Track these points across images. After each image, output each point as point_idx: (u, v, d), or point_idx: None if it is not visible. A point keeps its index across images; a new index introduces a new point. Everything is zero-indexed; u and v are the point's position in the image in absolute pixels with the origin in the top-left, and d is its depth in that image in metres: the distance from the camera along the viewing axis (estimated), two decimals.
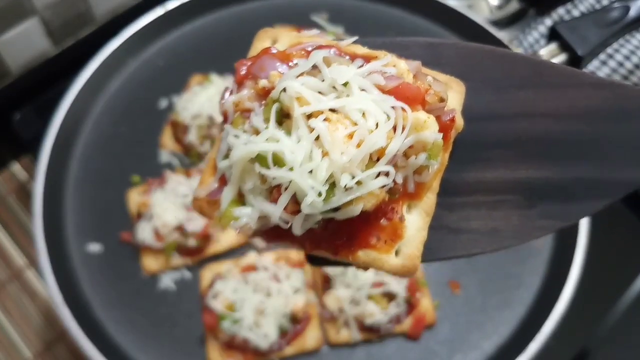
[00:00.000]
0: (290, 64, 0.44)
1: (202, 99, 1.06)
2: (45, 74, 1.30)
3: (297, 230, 0.41)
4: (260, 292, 0.92)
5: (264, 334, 0.90)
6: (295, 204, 0.40)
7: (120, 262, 1.01)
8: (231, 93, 0.44)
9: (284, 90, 0.41)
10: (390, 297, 0.93)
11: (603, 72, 1.38)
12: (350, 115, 0.40)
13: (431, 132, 0.42)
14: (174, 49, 1.23)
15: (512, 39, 1.41)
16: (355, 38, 0.48)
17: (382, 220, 0.43)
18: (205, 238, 0.98)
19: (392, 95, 0.42)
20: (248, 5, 1.29)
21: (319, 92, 0.41)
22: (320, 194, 0.39)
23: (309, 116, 0.40)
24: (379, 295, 0.92)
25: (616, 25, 1.15)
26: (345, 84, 0.42)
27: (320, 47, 0.45)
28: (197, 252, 0.99)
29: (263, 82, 0.43)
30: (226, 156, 0.42)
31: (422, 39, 0.53)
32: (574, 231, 1.02)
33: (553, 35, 1.16)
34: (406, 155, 0.43)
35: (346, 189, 0.40)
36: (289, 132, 0.40)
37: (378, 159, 0.41)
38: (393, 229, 0.43)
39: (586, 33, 1.14)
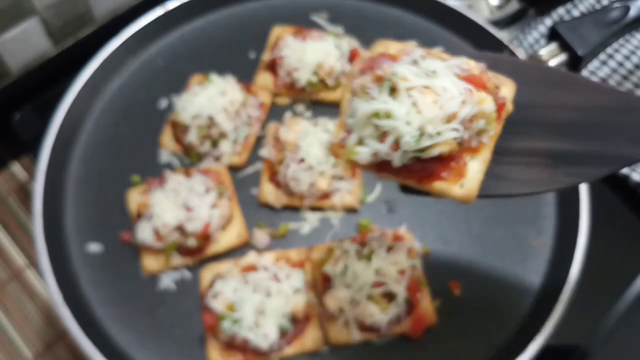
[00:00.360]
0: (397, 61, 0.66)
1: (202, 99, 1.06)
2: (45, 74, 1.30)
3: (397, 162, 0.63)
4: (260, 292, 0.92)
5: (264, 334, 0.89)
6: (396, 145, 0.62)
7: (120, 262, 1.02)
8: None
9: (394, 73, 0.63)
10: (390, 297, 0.92)
11: (603, 72, 1.38)
12: (436, 90, 0.62)
13: (488, 105, 0.65)
14: (174, 49, 1.23)
15: (512, 38, 1.41)
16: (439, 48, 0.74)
17: (452, 163, 0.65)
18: (205, 238, 0.99)
19: (464, 80, 0.64)
20: (248, 5, 1.29)
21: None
22: (413, 137, 0.61)
23: (409, 89, 0.62)
24: (379, 295, 0.91)
25: (616, 25, 1.15)
26: (433, 72, 0.64)
27: (417, 49, 0.69)
28: (197, 252, 1.00)
29: (379, 72, 0.65)
30: (351, 116, 0.65)
31: (490, 54, 0.77)
32: (574, 231, 1.03)
33: (553, 35, 1.16)
34: (471, 120, 0.64)
35: (430, 136, 0.62)
36: (395, 100, 0.63)
37: (452, 120, 0.63)
38: (459, 169, 0.65)
39: (586, 33, 1.14)
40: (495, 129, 0.67)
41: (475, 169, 0.66)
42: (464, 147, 0.66)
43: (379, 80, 0.65)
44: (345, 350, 0.96)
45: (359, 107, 0.64)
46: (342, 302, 0.91)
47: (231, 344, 0.91)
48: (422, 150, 0.62)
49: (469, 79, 0.65)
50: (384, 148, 0.62)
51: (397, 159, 0.62)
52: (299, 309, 0.92)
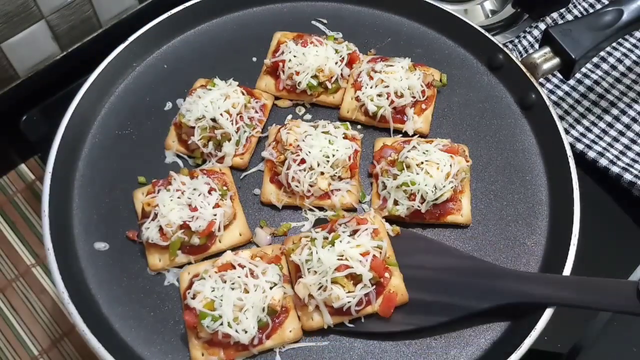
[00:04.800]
0: (396, 150, 1.13)
1: (206, 102, 1.08)
2: (52, 77, 1.32)
3: (424, 209, 1.05)
4: (238, 289, 0.93)
5: (244, 329, 0.91)
6: (422, 199, 1.04)
7: (126, 260, 1.03)
8: None
9: (407, 157, 1.07)
10: (356, 279, 0.93)
11: (596, 75, 1.40)
12: (433, 161, 1.05)
13: (463, 163, 1.07)
14: (179, 53, 1.25)
15: (507, 43, 1.42)
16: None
17: (451, 204, 1.07)
18: (209, 236, 1.01)
19: (446, 152, 1.09)
20: (250, 11, 1.31)
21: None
22: (432, 192, 1.03)
23: (419, 165, 1.05)
24: (344, 278, 0.93)
25: (609, 29, 1.16)
26: (427, 151, 1.07)
27: (412, 140, 1.14)
28: (201, 250, 1.02)
29: (390, 158, 1.11)
30: (383, 188, 1.09)
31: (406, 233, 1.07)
32: (568, 230, 1.04)
33: (547, 39, 1.17)
34: (457, 174, 1.06)
35: (440, 189, 1.03)
36: (412, 173, 1.05)
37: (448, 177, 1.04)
38: (458, 205, 1.08)
39: (579, 37, 1.16)
40: (468, 176, 1.10)
41: (465, 203, 1.08)
42: (457, 192, 1.07)
43: (393, 164, 1.06)
44: (343, 346, 0.97)
45: (387, 182, 1.05)
46: (310, 288, 0.93)
47: (212, 341, 0.93)
48: (437, 199, 1.03)
49: (449, 150, 1.07)
50: (415, 203, 1.03)
51: (424, 207, 1.04)
52: (276, 302, 0.94)
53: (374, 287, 0.95)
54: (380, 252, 0.97)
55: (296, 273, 0.97)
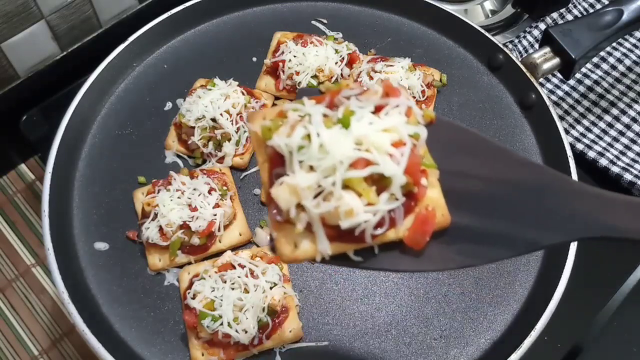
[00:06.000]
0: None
1: (206, 102, 1.08)
2: (52, 77, 1.32)
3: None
4: (238, 289, 0.93)
5: (244, 329, 0.90)
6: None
7: (126, 260, 1.03)
8: None
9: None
10: (380, 183, 0.58)
11: (596, 75, 1.40)
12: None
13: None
14: (179, 54, 1.25)
15: (507, 43, 1.43)
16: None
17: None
18: (209, 236, 1.01)
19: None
20: (251, 11, 1.31)
21: None
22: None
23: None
24: (361, 181, 0.57)
25: (609, 29, 1.16)
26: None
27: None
28: (201, 250, 1.02)
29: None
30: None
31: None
32: None
33: (547, 38, 1.18)
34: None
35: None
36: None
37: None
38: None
39: (579, 37, 1.16)
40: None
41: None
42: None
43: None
44: (343, 346, 0.97)
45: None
46: (302, 194, 0.57)
47: (212, 341, 0.93)
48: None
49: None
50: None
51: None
52: (276, 302, 0.94)
53: (404, 198, 0.60)
54: (417, 146, 0.61)
55: (271, 170, 0.60)
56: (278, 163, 0.59)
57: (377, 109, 0.61)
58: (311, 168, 0.57)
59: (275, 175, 0.59)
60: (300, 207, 0.58)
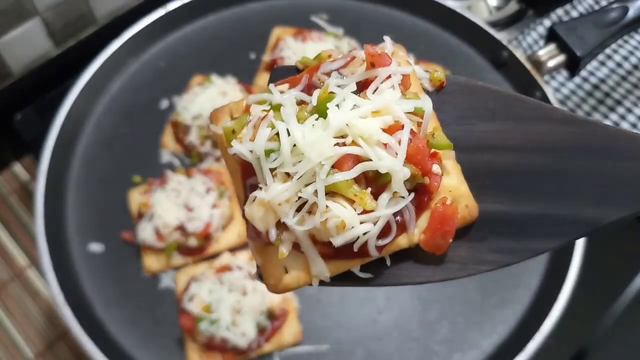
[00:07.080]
0: None
1: (203, 99, 1.07)
2: (47, 75, 1.31)
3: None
4: (235, 292, 0.91)
5: (242, 333, 0.89)
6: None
7: (121, 262, 1.02)
8: None
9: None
10: (378, 182, 0.45)
11: (602, 73, 1.38)
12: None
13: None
14: (175, 50, 1.24)
15: (511, 39, 1.41)
16: None
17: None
18: (206, 238, 0.99)
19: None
20: (248, 6, 1.29)
21: None
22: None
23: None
24: (351, 183, 0.44)
25: (615, 26, 1.15)
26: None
27: None
28: (198, 252, 1.00)
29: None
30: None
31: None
32: None
33: (552, 36, 1.16)
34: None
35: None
36: None
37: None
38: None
39: (585, 34, 1.14)
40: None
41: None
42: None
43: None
44: (344, 350, 0.95)
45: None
46: (279, 210, 0.45)
47: (210, 345, 0.91)
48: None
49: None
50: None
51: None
52: (275, 305, 0.92)
53: (412, 194, 0.47)
54: (420, 125, 0.48)
55: (244, 180, 0.48)
56: (251, 172, 0.46)
57: (364, 86, 0.48)
58: (288, 175, 0.44)
59: (249, 187, 0.47)
60: (282, 225, 0.45)
